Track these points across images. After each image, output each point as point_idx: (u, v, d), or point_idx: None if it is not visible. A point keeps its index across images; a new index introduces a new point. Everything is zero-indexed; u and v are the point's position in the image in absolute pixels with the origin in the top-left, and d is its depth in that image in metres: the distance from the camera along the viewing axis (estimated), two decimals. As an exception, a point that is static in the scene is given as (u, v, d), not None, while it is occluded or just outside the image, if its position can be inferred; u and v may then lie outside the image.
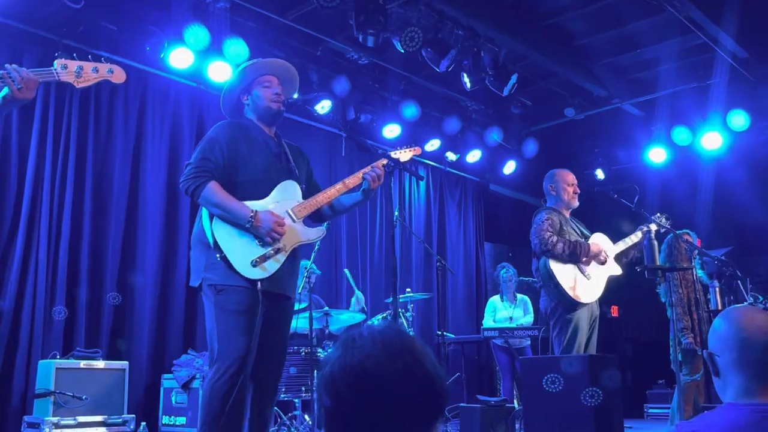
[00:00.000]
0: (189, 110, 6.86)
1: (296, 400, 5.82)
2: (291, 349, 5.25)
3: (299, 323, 5.48)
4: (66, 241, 6.01)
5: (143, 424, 5.47)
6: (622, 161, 9.34)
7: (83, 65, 2.66)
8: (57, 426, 5.09)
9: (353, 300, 6.67)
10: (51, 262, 5.90)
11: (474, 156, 8.83)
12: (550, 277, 4.74)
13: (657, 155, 9.00)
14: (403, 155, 3.83)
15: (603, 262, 4.88)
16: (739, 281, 5.27)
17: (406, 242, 8.67)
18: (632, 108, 8.50)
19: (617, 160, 9.38)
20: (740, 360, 1.75)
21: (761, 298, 5.63)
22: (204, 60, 6.37)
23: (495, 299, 7.91)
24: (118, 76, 2.77)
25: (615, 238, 5.08)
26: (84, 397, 5.25)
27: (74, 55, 2.71)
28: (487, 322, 7.73)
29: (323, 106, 7.28)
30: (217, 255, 3.24)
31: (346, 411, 1.32)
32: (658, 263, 4.83)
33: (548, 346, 4.99)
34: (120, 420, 5.41)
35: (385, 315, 6.87)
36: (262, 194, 3.37)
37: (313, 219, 3.55)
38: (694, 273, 5.20)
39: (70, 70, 2.63)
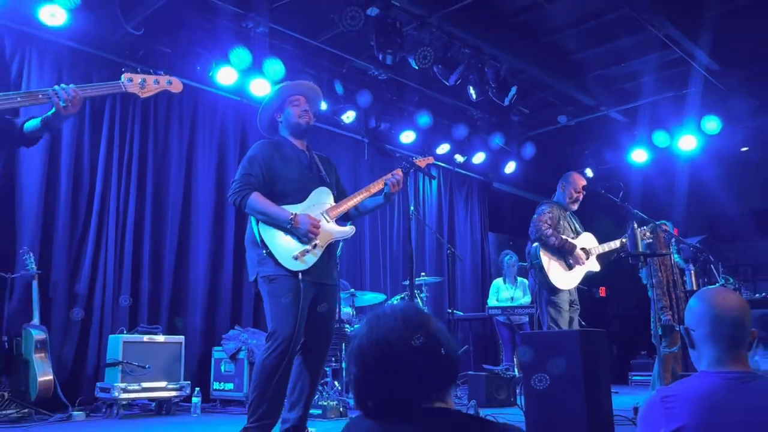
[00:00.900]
0: (233, 121, 6.90)
1: (327, 369, 5.85)
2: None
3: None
4: (130, 236, 6.07)
5: (197, 389, 5.51)
6: (609, 162, 9.27)
7: (146, 78, 2.67)
8: (125, 391, 5.15)
9: None
10: (117, 253, 5.96)
11: (479, 158, 8.82)
12: (538, 261, 4.80)
13: (639, 156, 8.97)
14: (420, 162, 3.85)
15: (582, 264, 4.92)
16: (711, 265, 5.24)
17: (420, 233, 8.66)
18: (617, 115, 8.44)
19: (604, 161, 9.32)
20: (713, 334, 1.75)
21: (731, 280, 5.59)
22: (246, 78, 6.38)
23: (498, 281, 7.91)
24: (176, 86, 2.77)
25: (601, 232, 5.12)
26: (147, 366, 5.29)
27: (138, 69, 2.73)
28: (491, 301, 7.74)
29: (348, 116, 7.34)
30: (264, 251, 3.29)
31: (372, 378, 1.33)
32: (640, 250, 4.81)
33: (538, 324, 5.04)
34: (177, 386, 5.46)
35: (403, 296, 6.88)
36: (299, 200, 3.41)
37: (341, 219, 3.56)
38: (672, 258, 5.16)
39: (134, 83, 2.63)
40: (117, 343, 5.29)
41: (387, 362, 1.30)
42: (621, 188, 5.14)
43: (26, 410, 4.84)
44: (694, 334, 1.79)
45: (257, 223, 3.33)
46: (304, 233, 3.27)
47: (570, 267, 4.86)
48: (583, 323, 5.18)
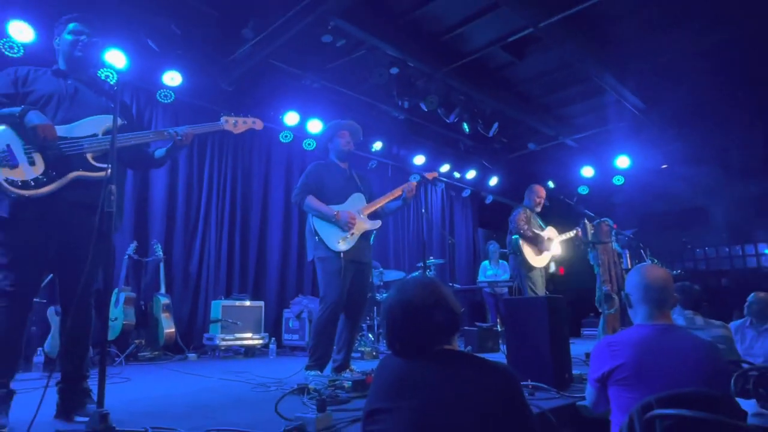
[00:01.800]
0: (296, 149, 6.90)
1: (363, 325, 5.87)
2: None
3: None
4: (226, 231, 6.12)
5: (273, 338, 5.55)
6: (565, 176, 9.14)
7: (237, 119, 2.67)
8: (223, 340, 5.22)
9: None
10: (217, 243, 6.02)
11: (471, 174, 8.76)
12: (519, 249, 4.79)
13: (587, 172, 8.81)
14: (428, 176, 3.85)
15: (549, 249, 4.90)
16: (641, 250, 5.14)
17: (428, 228, 8.65)
18: (571, 142, 8.33)
19: (561, 176, 9.19)
20: (645, 297, 1.73)
21: (656, 261, 5.47)
22: (305, 119, 6.41)
23: (485, 263, 7.83)
24: (258, 124, 2.77)
25: (561, 226, 5.09)
26: (238, 323, 5.36)
27: (231, 114, 2.76)
28: (481, 277, 7.67)
29: (377, 145, 7.33)
30: (317, 238, 3.32)
31: (399, 328, 1.34)
32: (589, 239, 4.76)
33: (518, 292, 5.01)
34: (259, 336, 5.51)
35: (417, 272, 6.87)
36: (341, 202, 3.42)
37: (371, 217, 3.56)
38: (612, 245, 5.07)
39: (230, 123, 2.64)
40: (218, 306, 5.37)
41: (410, 316, 1.31)
42: (575, 195, 5.10)
43: (157, 352, 4.95)
44: (632, 297, 1.77)
45: (313, 219, 3.37)
46: (344, 224, 3.30)
47: (540, 252, 4.86)
48: (547, 292, 5.13)
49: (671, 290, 1.72)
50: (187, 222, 5.84)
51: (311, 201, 3.35)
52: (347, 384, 2.76)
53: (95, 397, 1.88)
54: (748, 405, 1.96)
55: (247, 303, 5.55)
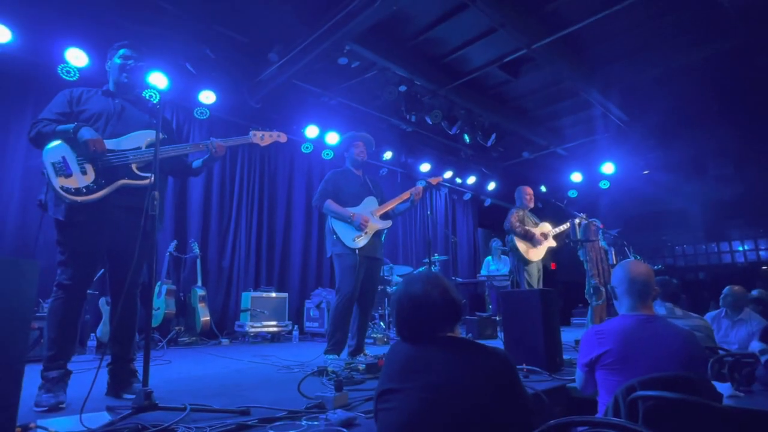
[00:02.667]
0: (315, 159, 6.94)
1: (375, 314, 5.86)
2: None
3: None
4: (255, 231, 6.14)
5: (296, 326, 5.57)
6: (556, 182, 9.06)
7: (264, 133, 2.67)
8: (252, 327, 5.23)
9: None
10: (247, 242, 6.04)
11: (471, 180, 8.71)
12: (515, 246, 4.72)
13: (576, 177, 8.72)
14: (432, 180, 3.83)
15: (542, 241, 4.81)
16: (626, 247, 5.06)
17: (433, 228, 8.62)
18: (562, 151, 8.25)
19: (553, 181, 9.11)
20: (629, 290, 1.70)
21: (639, 257, 5.39)
22: (324, 132, 6.43)
23: (488, 258, 7.72)
24: (283, 137, 2.76)
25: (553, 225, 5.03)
26: (265, 312, 5.38)
27: (259, 128, 2.77)
28: (483, 272, 7.59)
29: (387, 155, 7.32)
30: (335, 237, 3.32)
31: (408, 316, 1.33)
32: (579, 237, 4.70)
33: (516, 285, 4.94)
34: (284, 324, 5.52)
35: (423, 268, 6.84)
36: (356, 205, 3.42)
37: (383, 217, 3.56)
38: (599, 243, 5.00)
39: (257, 136, 2.63)
40: (247, 297, 5.38)
41: (416, 306, 1.31)
42: (565, 198, 5.03)
43: (194, 338, 4.98)
44: (617, 290, 1.75)
45: (331, 220, 3.38)
46: (358, 225, 3.30)
47: (534, 246, 4.75)
48: (540, 285, 5.06)
49: (653, 284, 1.69)
50: (221, 223, 5.87)
51: (330, 204, 3.36)
52: (361, 367, 2.76)
53: (140, 377, 1.90)
54: (724, 388, 1.92)
55: (273, 294, 5.58)
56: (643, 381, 1.27)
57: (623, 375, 1.49)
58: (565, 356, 3.08)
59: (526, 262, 4.70)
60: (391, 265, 6.31)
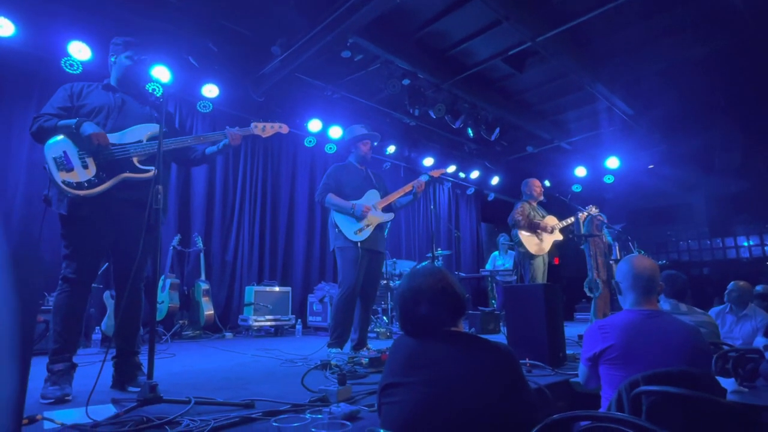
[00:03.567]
0: (318, 153, 6.95)
1: (378, 308, 5.87)
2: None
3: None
4: (258, 225, 6.16)
5: (299, 320, 5.59)
6: (560, 176, 9.03)
7: (265, 125, 2.65)
8: (256, 321, 5.25)
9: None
10: (250, 236, 6.05)
11: (475, 174, 8.69)
12: (520, 241, 4.68)
13: (580, 171, 8.67)
14: (435, 173, 3.82)
15: (551, 233, 4.77)
16: (629, 242, 5.04)
17: (436, 222, 8.61)
18: (566, 145, 8.21)
19: (557, 176, 9.07)
20: (633, 285, 1.69)
21: (643, 252, 5.36)
22: (327, 126, 6.42)
23: (495, 253, 7.70)
24: (284, 129, 2.72)
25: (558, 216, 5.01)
26: (269, 306, 5.39)
27: (260, 120, 2.77)
28: (488, 266, 7.55)
29: (391, 149, 7.29)
30: (337, 230, 3.33)
31: (411, 311, 1.32)
32: (582, 232, 4.68)
33: (520, 280, 4.93)
34: (287, 318, 5.54)
35: (426, 262, 6.82)
36: (358, 197, 3.43)
37: (385, 210, 3.56)
38: (604, 237, 4.97)
39: (258, 128, 2.63)
40: (251, 291, 5.40)
41: (420, 301, 1.30)
42: (569, 192, 5.01)
43: (198, 332, 5.02)
44: (621, 285, 1.74)
45: (333, 213, 3.38)
46: (359, 215, 3.31)
47: (540, 240, 4.71)
48: (545, 280, 5.05)
49: (658, 279, 1.68)
50: (224, 217, 5.88)
51: (331, 198, 3.37)
52: (365, 360, 2.77)
53: (145, 370, 1.91)
54: (728, 383, 1.92)
55: (277, 288, 5.60)
56: (647, 376, 1.27)
57: (627, 370, 1.49)
58: (569, 351, 3.08)
59: (531, 256, 4.67)
60: (394, 259, 6.31)
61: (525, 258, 4.71)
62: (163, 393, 1.83)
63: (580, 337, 4.07)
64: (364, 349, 3.33)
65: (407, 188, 3.56)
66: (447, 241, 8.68)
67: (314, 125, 6.27)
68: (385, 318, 5.84)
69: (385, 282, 5.78)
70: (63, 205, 2.15)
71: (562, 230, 4.91)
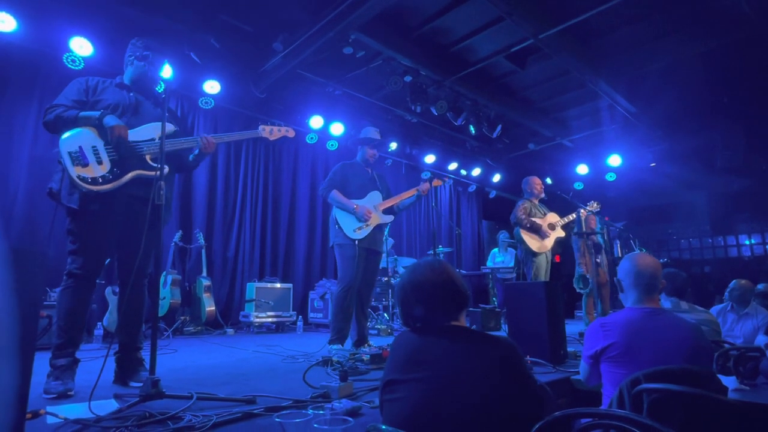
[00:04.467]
0: (320, 150, 6.93)
1: (379, 305, 5.88)
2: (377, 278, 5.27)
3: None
4: (259, 221, 6.15)
5: (300, 316, 5.59)
6: (562, 174, 9.01)
7: (273, 128, 2.69)
8: (257, 317, 5.26)
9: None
10: (252, 232, 6.05)
11: (476, 171, 8.67)
12: (521, 239, 4.68)
13: (582, 169, 8.65)
14: (435, 183, 3.84)
15: (548, 235, 4.77)
16: (631, 240, 5.04)
17: (438, 220, 8.61)
18: (568, 143, 8.19)
19: (558, 173, 9.05)
20: (635, 283, 1.69)
21: (644, 249, 5.36)
22: (329, 122, 6.41)
23: (495, 250, 7.70)
24: (291, 133, 2.76)
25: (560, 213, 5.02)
26: (270, 302, 5.40)
27: (268, 122, 2.77)
28: (489, 263, 7.57)
29: (392, 146, 7.27)
30: (337, 227, 3.34)
31: (412, 305, 1.32)
32: (583, 230, 4.68)
33: (522, 277, 4.93)
34: (288, 314, 5.55)
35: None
36: (361, 197, 3.45)
37: (386, 212, 3.56)
38: (594, 238, 4.96)
39: (266, 131, 2.64)
40: (252, 287, 5.40)
41: (421, 295, 1.30)
42: (570, 190, 5.00)
43: (199, 328, 5.03)
44: (623, 283, 1.73)
45: (335, 210, 3.40)
46: (360, 216, 3.33)
47: (542, 238, 4.70)
48: (547, 277, 5.04)
49: (659, 277, 1.68)
50: (225, 213, 5.89)
51: (335, 194, 3.39)
52: (366, 357, 2.77)
53: (147, 366, 1.92)
54: (729, 381, 1.92)
55: (278, 285, 5.60)
56: (648, 373, 1.27)
57: (628, 367, 1.49)
58: (569, 348, 3.08)
59: (534, 254, 4.67)
60: (396, 256, 6.31)
61: (528, 255, 4.70)
62: (165, 388, 1.84)
63: (581, 334, 4.07)
64: (365, 345, 3.34)
65: (410, 193, 3.59)
66: (448, 238, 8.67)
67: (316, 122, 6.26)
68: (386, 315, 5.85)
69: (386, 279, 5.78)
70: (74, 199, 2.15)
71: (564, 227, 4.89)
